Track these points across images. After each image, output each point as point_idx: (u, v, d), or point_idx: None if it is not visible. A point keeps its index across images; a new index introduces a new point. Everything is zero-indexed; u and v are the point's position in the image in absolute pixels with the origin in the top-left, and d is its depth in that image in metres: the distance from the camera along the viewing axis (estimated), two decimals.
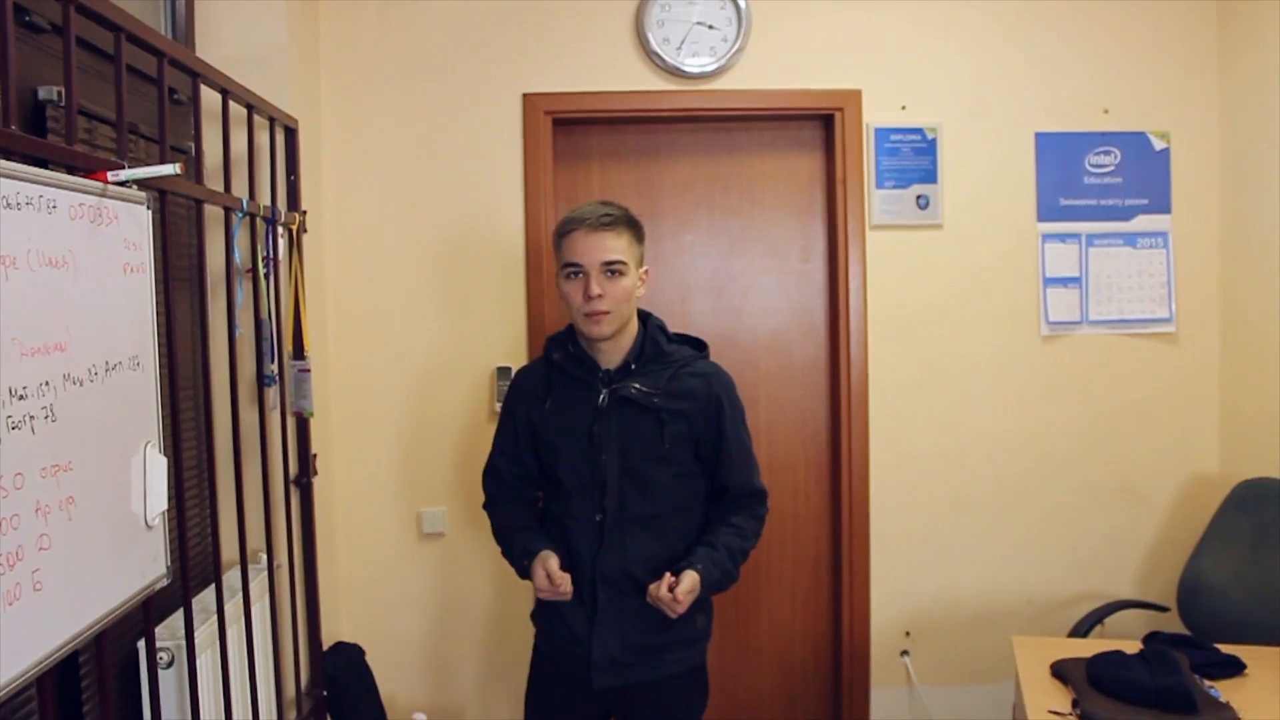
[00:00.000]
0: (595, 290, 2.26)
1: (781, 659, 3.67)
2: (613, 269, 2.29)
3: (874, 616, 3.55)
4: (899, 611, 3.56)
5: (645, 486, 2.35)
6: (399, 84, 3.32)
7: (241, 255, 2.44)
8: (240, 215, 2.36)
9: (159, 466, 1.78)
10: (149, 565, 1.79)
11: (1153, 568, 3.56)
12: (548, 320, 3.37)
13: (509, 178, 3.36)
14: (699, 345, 2.53)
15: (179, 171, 1.67)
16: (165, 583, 1.86)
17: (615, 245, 2.29)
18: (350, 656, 3.10)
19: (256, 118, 2.59)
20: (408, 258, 3.36)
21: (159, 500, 1.79)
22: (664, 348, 2.40)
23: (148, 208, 1.80)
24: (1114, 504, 3.56)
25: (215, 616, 2.29)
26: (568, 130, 3.46)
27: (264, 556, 2.64)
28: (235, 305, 2.37)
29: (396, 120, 3.33)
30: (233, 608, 2.43)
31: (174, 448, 1.98)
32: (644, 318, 2.46)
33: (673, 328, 2.55)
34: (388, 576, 3.40)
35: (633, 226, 2.37)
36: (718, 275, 3.56)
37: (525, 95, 3.34)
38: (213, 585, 2.32)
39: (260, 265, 2.53)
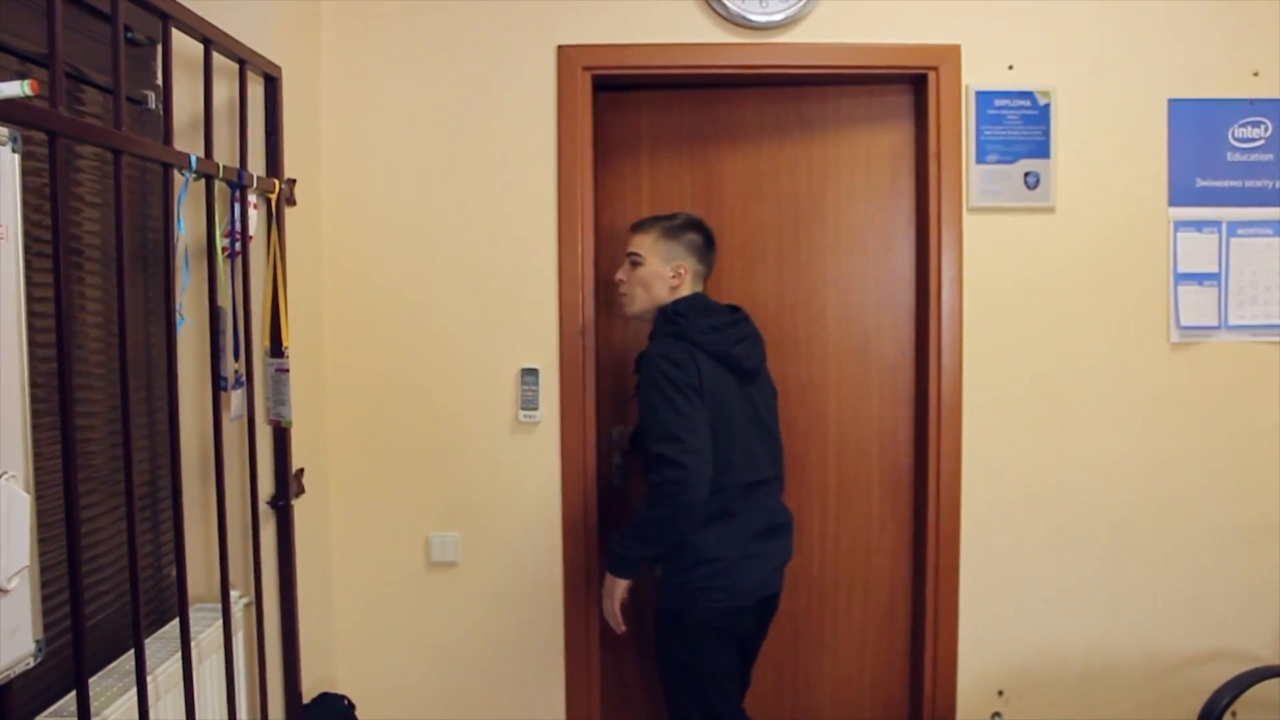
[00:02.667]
0: (618, 275, 2.72)
1: (846, 716, 3.13)
2: (633, 260, 2.65)
3: (961, 671, 3.00)
4: (991, 665, 3.00)
5: (640, 457, 2.72)
6: (411, 32, 2.83)
7: (189, 228, 1.96)
8: (188, 175, 1.87)
9: (18, 508, 1.29)
10: (4, 643, 1.30)
11: None
12: (583, 315, 2.86)
13: (540, 147, 2.86)
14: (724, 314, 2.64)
15: (29, 93, 1.17)
16: (31, 663, 1.36)
17: (638, 241, 2.64)
18: (335, 712, 2.61)
19: (220, 58, 2.10)
20: (420, 240, 2.87)
21: (17, 554, 1.30)
22: (653, 331, 2.62)
23: (14, 150, 1.31)
24: (1253, 546, 2.98)
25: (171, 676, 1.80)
26: (612, 100, 2.96)
27: (231, 595, 2.17)
28: (177, 289, 1.88)
29: (408, 76, 2.84)
30: (175, 667, 1.96)
31: (67, 476, 1.49)
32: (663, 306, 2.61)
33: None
34: (389, 613, 2.92)
35: (659, 227, 2.63)
36: (782, 254, 3.03)
37: (560, 48, 2.83)
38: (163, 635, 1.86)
39: (220, 241, 2.04)
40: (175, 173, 1.87)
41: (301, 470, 2.55)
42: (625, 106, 3.01)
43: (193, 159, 1.87)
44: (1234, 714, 2.73)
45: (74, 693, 1.75)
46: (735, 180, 3.04)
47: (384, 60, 2.83)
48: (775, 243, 3.03)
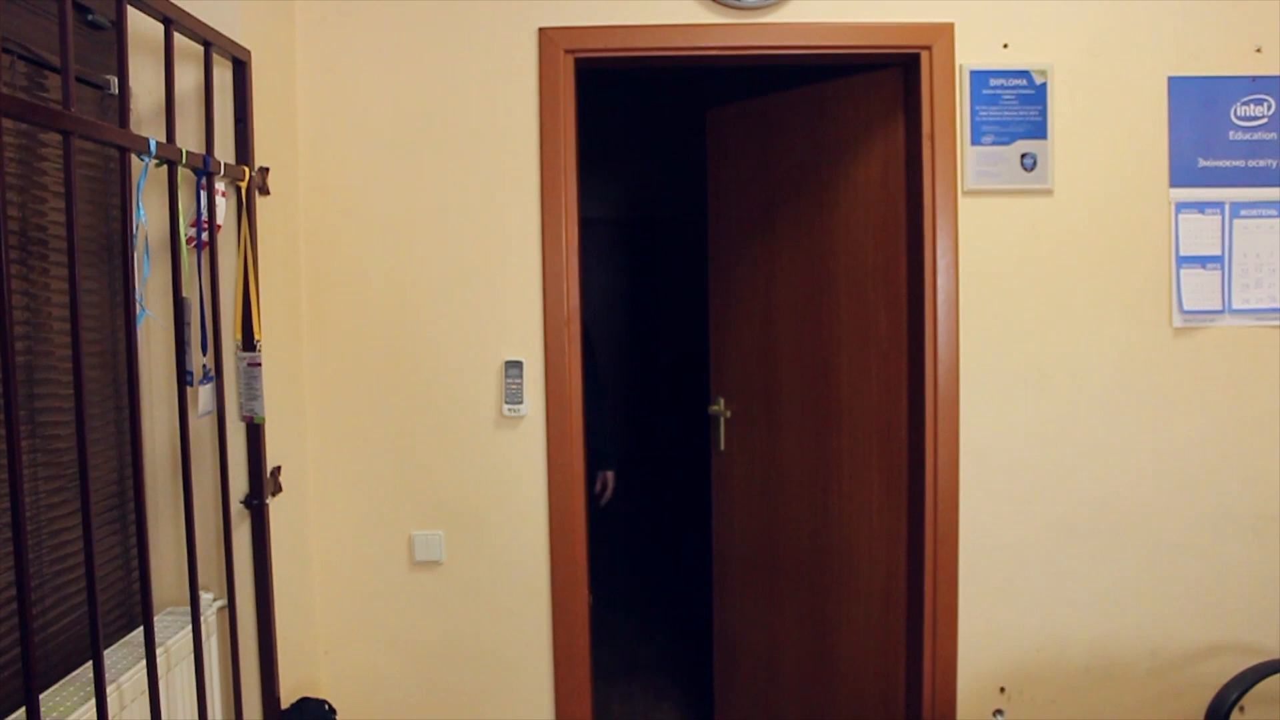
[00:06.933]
0: None
1: (854, 703, 3.06)
2: None
3: (961, 667, 2.91)
4: (992, 661, 2.92)
5: None
6: (388, 15, 2.75)
7: (153, 216, 1.88)
8: (147, 161, 1.79)
9: None
10: None
11: None
12: (567, 306, 2.78)
13: (523, 133, 2.78)
14: None
15: None
16: None
17: None
18: (315, 716, 2.53)
19: (188, 42, 2.02)
20: (399, 230, 2.78)
21: None
22: None
23: None
24: (1259, 536, 2.89)
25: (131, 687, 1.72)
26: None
27: (204, 598, 2.09)
28: (137, 279, 1.80)
29: (385, 61, 2.76)
30: (142, 674, 1.88)
31: (13, 475, 1.41)
32: None
33: None
34: (372, 613, 2.84)
35: None
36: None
37: (542, 30, 2.75)
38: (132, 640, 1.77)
39: (183, 229, 1.96)
40: (135, 159, 1.79)
41: (278, 468, 2.47)
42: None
43: (152, 143, 1.79)
44: (1242, 709, 2.65)
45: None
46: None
47: (360, 45, 2.75)
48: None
